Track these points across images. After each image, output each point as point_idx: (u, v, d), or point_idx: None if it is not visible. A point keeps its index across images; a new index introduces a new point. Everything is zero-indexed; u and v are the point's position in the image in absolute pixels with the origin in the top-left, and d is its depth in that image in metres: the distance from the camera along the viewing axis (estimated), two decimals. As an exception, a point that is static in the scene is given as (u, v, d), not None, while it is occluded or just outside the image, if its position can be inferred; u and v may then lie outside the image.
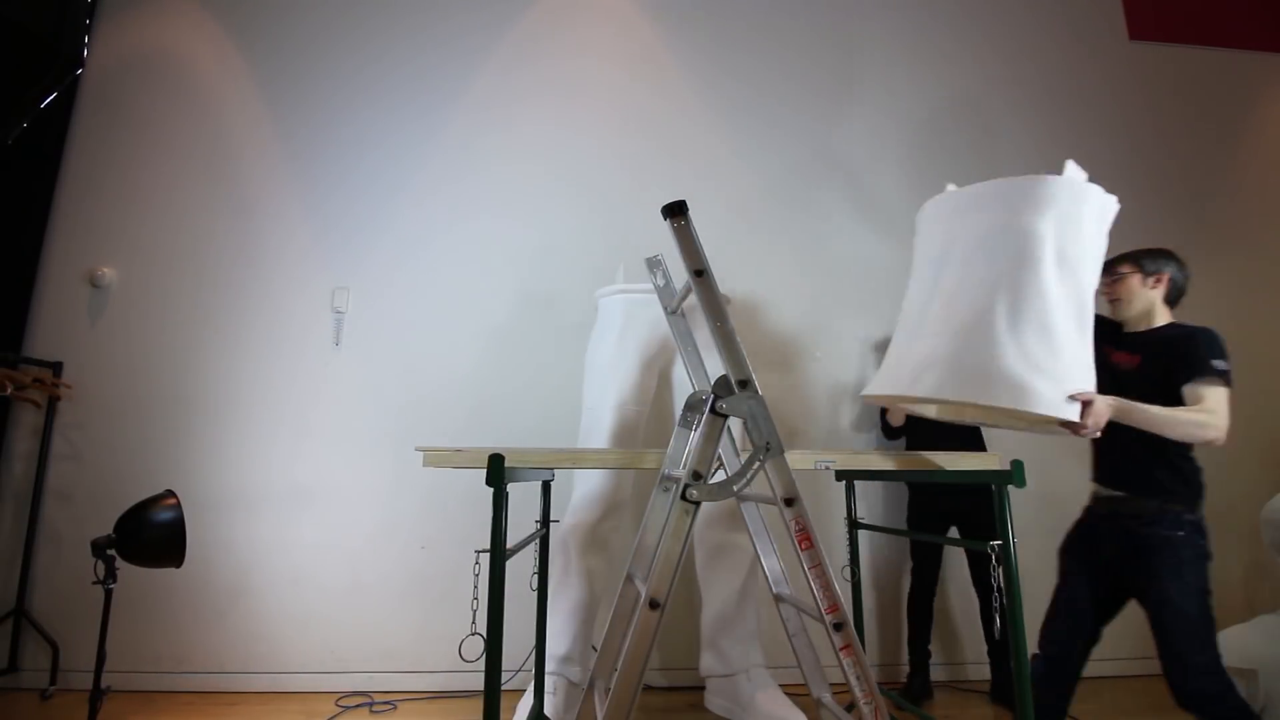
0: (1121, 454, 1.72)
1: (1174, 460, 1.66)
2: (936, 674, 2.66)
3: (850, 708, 1.39)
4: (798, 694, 2.08)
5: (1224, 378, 1.62)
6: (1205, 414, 1.57)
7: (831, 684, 1.73)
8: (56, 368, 2.59)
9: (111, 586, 1.68)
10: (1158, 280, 1.81)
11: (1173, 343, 1.73)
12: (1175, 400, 1.64)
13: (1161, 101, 3.38)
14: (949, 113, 3.22)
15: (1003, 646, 2.28)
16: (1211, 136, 3.37)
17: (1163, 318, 1.81)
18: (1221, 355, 1.65)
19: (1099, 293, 1.76)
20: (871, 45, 3.26)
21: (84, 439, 2.60)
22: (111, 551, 1.69)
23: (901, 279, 2.00)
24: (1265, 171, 3.38)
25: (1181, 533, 1.61)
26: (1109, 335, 1.85)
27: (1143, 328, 1.82)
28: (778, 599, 1.73)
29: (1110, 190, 1.83)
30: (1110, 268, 1.85)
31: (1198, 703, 1.57)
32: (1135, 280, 1.83)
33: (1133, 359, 1.78)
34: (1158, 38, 3.45)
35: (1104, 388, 1.73)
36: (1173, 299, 1.82)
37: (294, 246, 2.82)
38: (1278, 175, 3.38)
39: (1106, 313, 1.84)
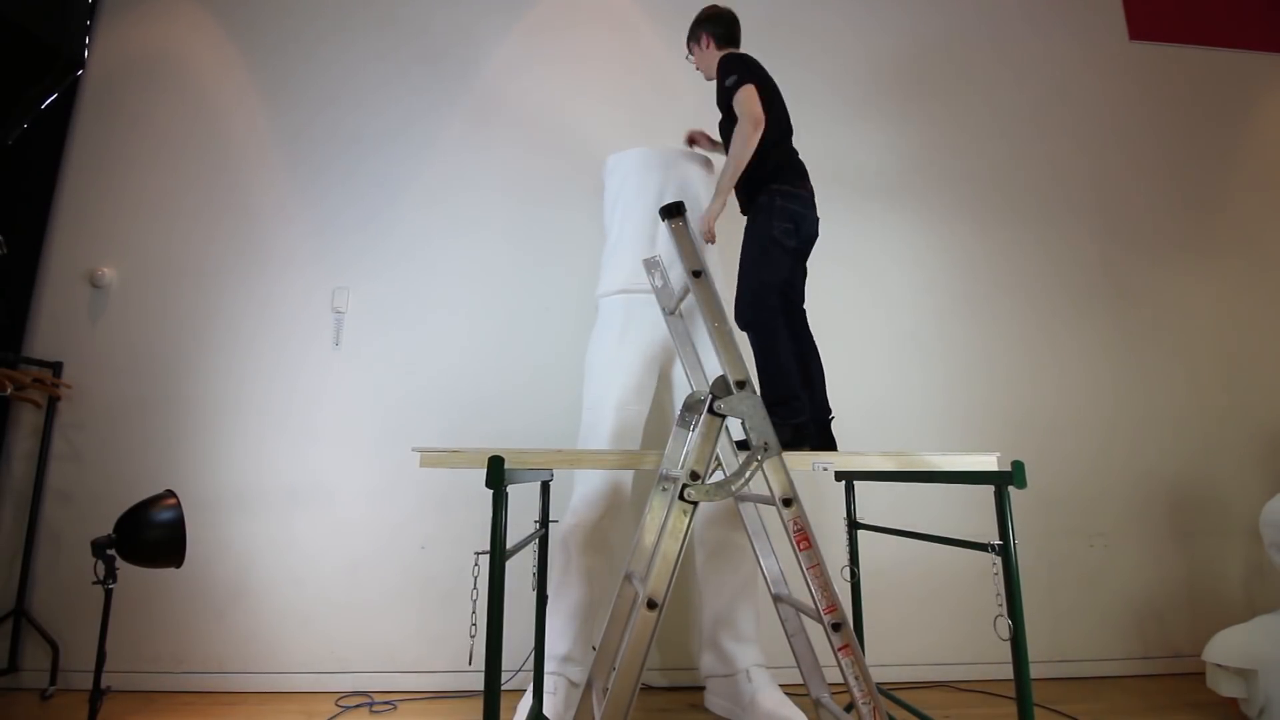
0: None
1: (764, 189, 2.03)
2: (937, 674, 2.66)
3: (849, 708, 1.39)
4: (797, 694, 2.08)
5: (734, 86, 2.00)
6: (741, 123, 1.96)
7: (830, 684, 1.73)
8: (56, 368, 2.60)
9: (111, 586, 1.68)
10: (708, 41, 2.28)
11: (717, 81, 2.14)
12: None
13: (1161, 101, 3.37)
14: (948, 111, 3.22)
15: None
16: (1211, 137, 3.37)
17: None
18: (727, 71, 2.06)
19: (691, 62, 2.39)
20: (871, 46, 3.26)
21: (84, 439, 2.60)
22: (111, 551, 1.69)
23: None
24: (1265, 172, 3.37)
25: (764, 199, 2.01)
26: None
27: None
28: (776, 599, 1.74)
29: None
30: (691, 48, 2.37)
31: (746, 317, 1.95)
32: (700, 48, 2.31)
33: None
34: (1158, 38, 3.45)
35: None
36: (725, 43, 2.27)
37: (294, 247, 2.82)
38: (1278, 175, 3.38)
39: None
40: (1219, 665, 2.19)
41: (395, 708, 2.33)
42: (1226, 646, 2.19)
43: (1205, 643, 2.26)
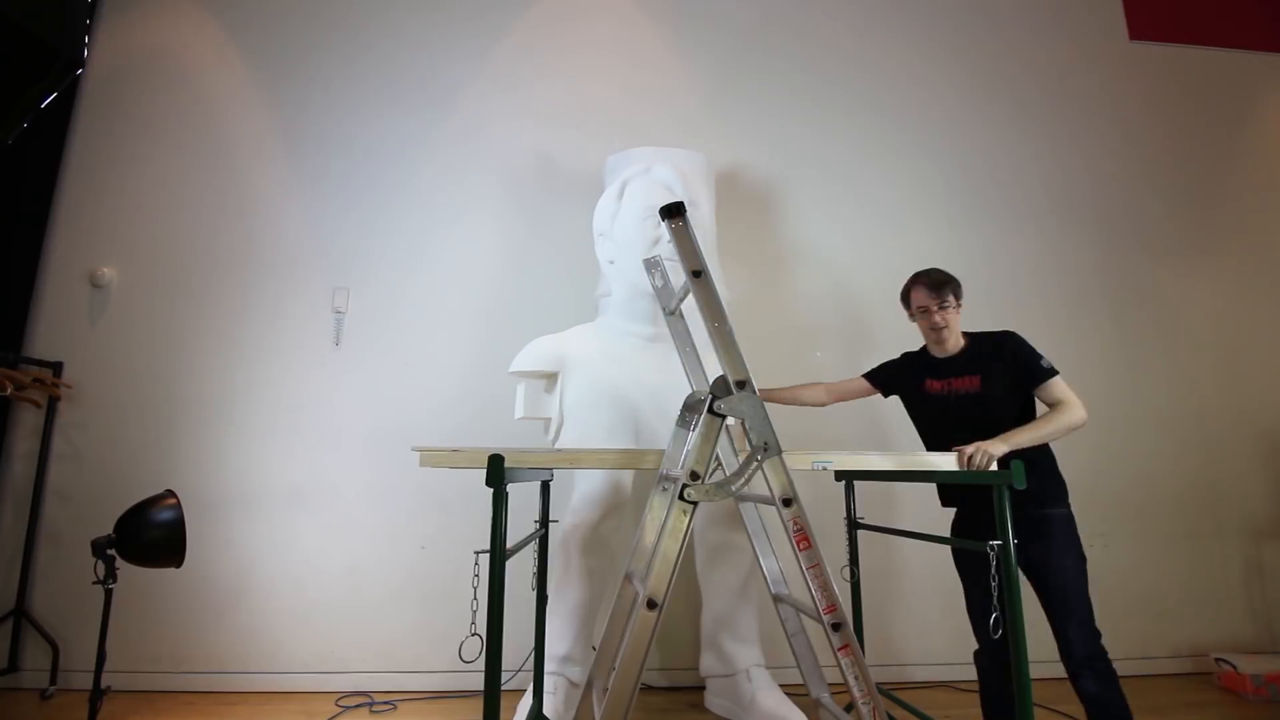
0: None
1: (1038, 470, 1.77)
2: (936, 674, 2.66)
3: (849, 708, 1.39)
4: (797, 694, 2.08)
5: (1052, 369, 1.84)
6: (1069, 409, 1.79)
7: (830, 684, 1.73)
8: (56, 368, 2.60)
9: (111, 586, 1.68)
10: (960, 305, 1.96)
11: (999, 355, 1.89)
12: (1028, 403, 1.86)
13: (1161, 101, 3.37)
14: (949, 112, 3.22)
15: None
16: (1211, 137, 3.37)
17: (960, 334, 1.95)
18: (1036, 351, 1.87)
19: (920, 321, 1.96)
20: (873, 47, 3.26)
21: (84, 439, 2.60)
22: (111, 551, 1.69)
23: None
24: (1265, 171, 3.37)
25: (1067, 511, 1.81)
26: (920, 368, 2.00)
27: (955, 350, 1.94)
28: (776, 599, 1.74)
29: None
30: (941, 298, 1.94)
31: (1092, 662, 1.68)
32: (955, 311, 1.95)
33: (973, 381, 1.90)
34: (1158, 38, 3.45)
35: (936, 416, 1.94)
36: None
37: (294, 246, 2.82)
38: (1278, 175, 3.38)
39: (918, 340, 2.00)
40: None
41: (395, 708, 2.33)
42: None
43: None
